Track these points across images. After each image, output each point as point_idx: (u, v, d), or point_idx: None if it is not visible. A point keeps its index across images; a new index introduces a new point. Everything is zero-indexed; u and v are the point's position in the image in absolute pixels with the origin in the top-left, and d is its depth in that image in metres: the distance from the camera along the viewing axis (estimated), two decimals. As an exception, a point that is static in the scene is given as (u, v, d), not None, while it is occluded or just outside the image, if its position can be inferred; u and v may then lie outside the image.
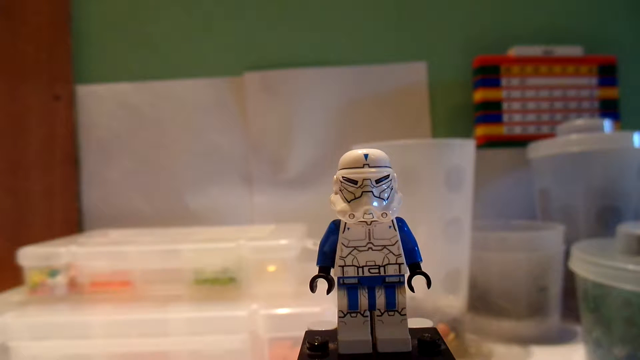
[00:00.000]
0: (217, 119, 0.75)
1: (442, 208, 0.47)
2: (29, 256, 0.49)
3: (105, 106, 0.75)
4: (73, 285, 0.49)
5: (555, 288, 0.54)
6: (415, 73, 0.75)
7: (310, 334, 0.20)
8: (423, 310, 0.46)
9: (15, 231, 0.73)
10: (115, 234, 0.62)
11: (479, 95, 0.71)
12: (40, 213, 0.74)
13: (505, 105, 0.71)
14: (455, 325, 0.48)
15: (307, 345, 0.19)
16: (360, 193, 0.19)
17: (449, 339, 0.47)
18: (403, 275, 0.20)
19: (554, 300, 0.54)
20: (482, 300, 0.55)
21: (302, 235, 0.53)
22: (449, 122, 0.76)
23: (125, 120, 0.75)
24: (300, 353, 0.19)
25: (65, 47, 0.75)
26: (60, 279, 0.49)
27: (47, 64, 0.74)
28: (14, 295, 0.51)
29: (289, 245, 0.48)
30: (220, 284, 0.48)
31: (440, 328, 0.47)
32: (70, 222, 0.74)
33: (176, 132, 0.75)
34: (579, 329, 0.52)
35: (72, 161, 0.75)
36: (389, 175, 0.19)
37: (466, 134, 0.75)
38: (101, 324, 0.43)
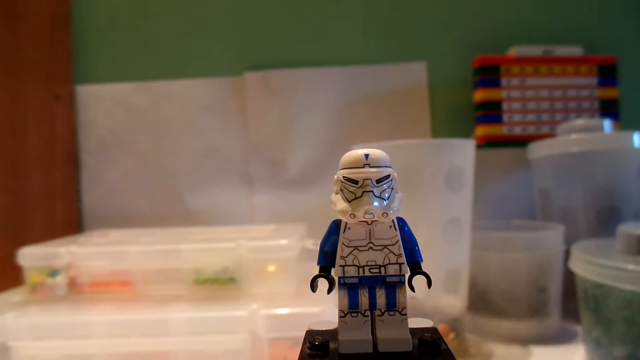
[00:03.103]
0: (217, 119, 0.75)
1: (442, 208, 0.47)
2: (29, 256, 0.49)
3: (105, 106, 0.75)
4: (73, 285, 0.49)
5: (555, 288, 0.54)
6: (415, 73, 0.75)
7: (310, 334, 0.21)
8: (423, 310, 0.46)
9: (15, 231, 0.73)
10: (115, 234, 0.62)
11: (479, 95, 0.71)
12: (40, 213, 0.74)
13: (505, 105, 0.71)
14: (455, 325, 0.48)
15: (308, 344, 0.19)
16: (361, 193, 0.19)
17: (449, 339, 0.47)
18: (404, 275, 0.20)
19: (553, 300, 0.54)
20: (482, 300, 0.55)
21: (302, 235, 0.53)
22: (449, 122, 0.76)
23: (125, 120, 0.75)
24: (300, 353, 0.19)
25: (65, 47, 0.75)
26: (60, 279, 0.49)
27: (47, 64, 0.74)
28: (14, 295, 0.51)
29: (289, 245, 0.48)
30: (220, 284, 0.48)
31: (440, 328, 0.47)
32: (70, 222, 0.74)
33: (176, 132, 0.75)
34: (579, 329, 0.52)
35: (72, 161, 0.75)
36: (389, 175, 0.19)
37: (466, 134, 0.75)
38: (101, 324, 0.43)
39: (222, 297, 0.47)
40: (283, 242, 0.48)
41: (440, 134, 0.75)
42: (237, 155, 0.75)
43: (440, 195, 0.46)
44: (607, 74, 0.72)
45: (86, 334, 0.43)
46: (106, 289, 0.49)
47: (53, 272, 0.49)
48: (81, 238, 0.58)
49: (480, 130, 0.71)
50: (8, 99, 0.74)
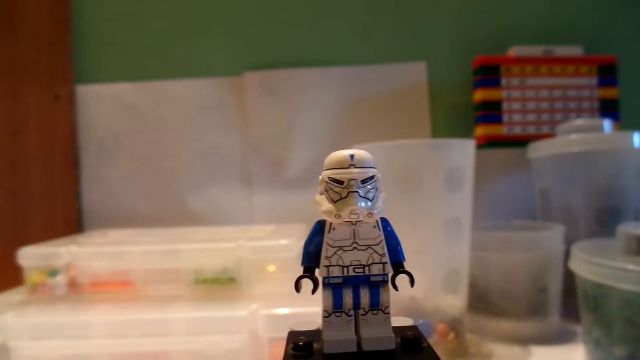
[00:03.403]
0: (217, 119, 0.75)
1: (442, 208, 0.47)
2: (29, 256, 0.49)
3: (105, 106, 0.76)
4: (73, 285, 0.49)
5: (555, 288, 0.54)
6: (415, 73, 0.75)
7: (293, 335, 0.21)
8: (423, 310, 0.46)
9: (15, 231, 0.73)
10: (115, 234, 0.62)
11: (479, 95, 0.71)
12: (40, 213, 0.74)
13: (505, 105, 0.71)
14: (455, 325, 0.48)
15: (292, 345, 0.20)
16: (346, 193, 0.19)
17: (449, 339, 0.47)
18: (387, 275, 0.20)
19: (554, 300, 0.54)
20: (482, 300, 0.55)
21: (302, 235, 0.53)
22: (449, 122, 0.76)
23: (125, 120, 0.75)
24: (285, 353, 0.19)
25: (65, 47, 0.75)
26: (60, 279, 0.49)
27: (47, 64, 0.74)
28: (14, 295, 0.50)
29: (289, 245, 0.48)
30: (220, 284, 0.48)
31: (440, 328, 0.47)
32: (70, 222, 0.74)
33: (176, 132, 0.75)
34: (579, 329, 0.52)
35: (72, 161, 0.75)
36: (374, 175, 0.19)
37: (466, 134, 0.75)
38: (101, 324, 0.43)
39: (222, 297, 0.47)
40: (283, 242, 0.48)
41: (440, 134, 0.75)
42: (237, 155, 0.75)
43: (440, 195, 0.46)
44: (607, 74, 0.71)
45: (86, 334, 0.43)
46: (106, 289, 0.49)
47: (53, 272, 0.49)
48: (81, 238, 0.58)
49: (480, 130, 0.71)
50: (8, 99, 0.74)
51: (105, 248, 0.50)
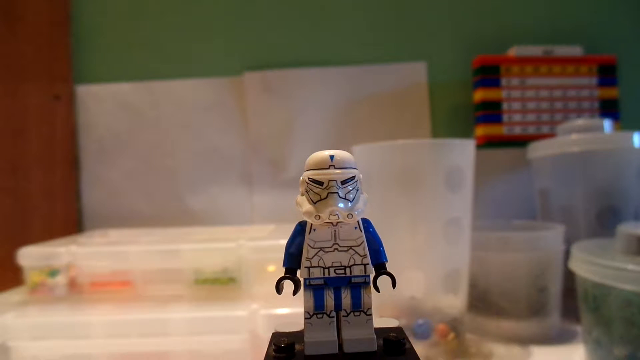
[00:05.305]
0: (217, 119, 0.75)
1: (442, 208, 0.47)
2: (29, 256, 0.49)
3: (105, 106, 0.75)
4: (73, 285, 0.49)
5: (555, 288, 0.54)
6: (415, 73, 0.75)
7: (276, 336, 0.21)
8: (423, 310, 0.46)
9: (15, 231, 0.73)
10: (115, 234, 0.62)
11: (479, 95, 0.71)
12: (40, 213, 0.74)
13: (505, 105, 0.71)
14: (455, 325, 0.48)
15: (274, 347, 0.19)
16: (326, 194, 0.19)
17: (449, 339, 0.47)
18: (369, 276, 0.20)
19: (554, 300, 0.54)
20: (482, 300, 0.55)
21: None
22: (449, 122, 0.76)
23: (125, 120, 0.75)
24: (266, 354, 0.19)
25: (65, 47, 0.75)
26: (60, 279, 0.49)
27: (47, 64, 0.74)
28: (14, 295, 0.51)
29: (289, 246, 0.48)
30: (220, 284, 0.48)
31: (440, 328, 0.47)
32: (70, 222, 0.74)
33: (176, 132, 0.75)
34: (579, 329, 0.52)
35: (72, 161, 0.75)
36: (354, 176, 0.19)
37: (466, 134, 0.75)
38: (101, 324, 0.43)
39: (222, 297, 0.47)
40: (283, 242, 0.48)
41: (440, 134, 0.75)
42: (237, 155, 0.75)
43: (440, 195, 0.46)
44: (607, 74, 0.71)
45: (86, 334, 0.43)
46: (106, 289, 0.49)
47: (53, 272, 0.49)
48: (81, 238, 0.58)
49: (480, 130, 0.71)
50: (8, 99, 0.74)
51: (105, 248, 0.50)
